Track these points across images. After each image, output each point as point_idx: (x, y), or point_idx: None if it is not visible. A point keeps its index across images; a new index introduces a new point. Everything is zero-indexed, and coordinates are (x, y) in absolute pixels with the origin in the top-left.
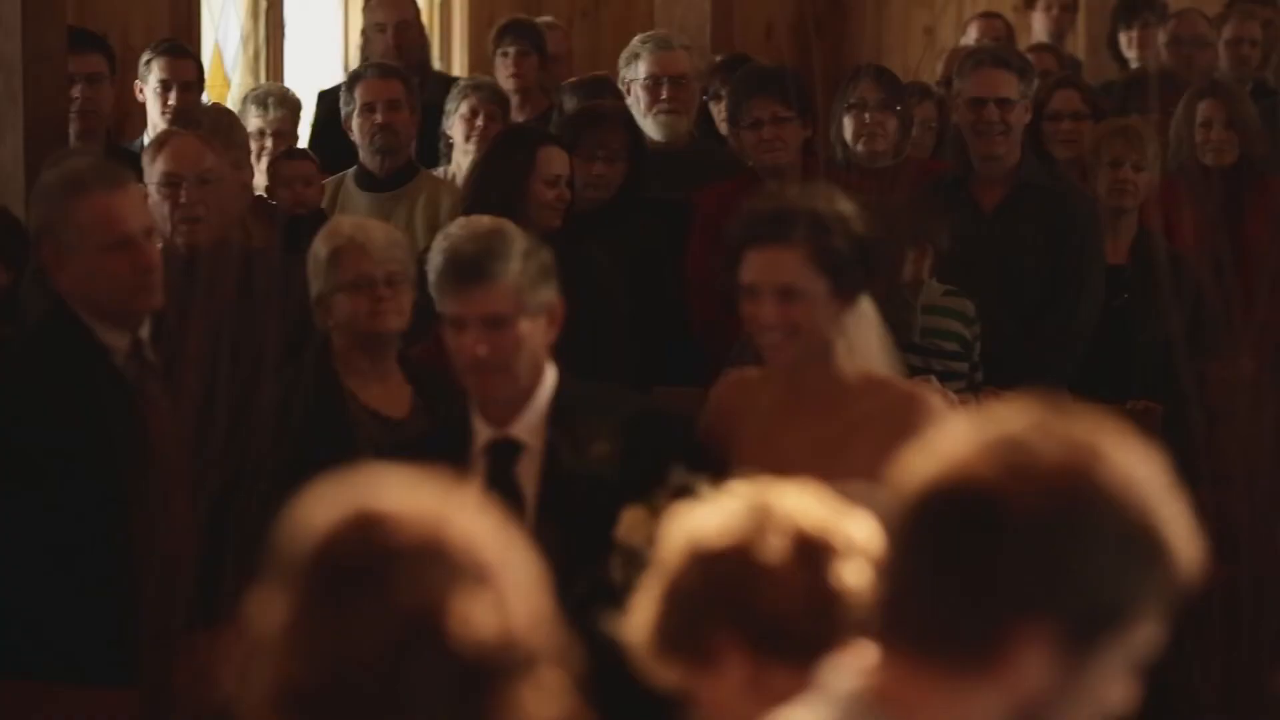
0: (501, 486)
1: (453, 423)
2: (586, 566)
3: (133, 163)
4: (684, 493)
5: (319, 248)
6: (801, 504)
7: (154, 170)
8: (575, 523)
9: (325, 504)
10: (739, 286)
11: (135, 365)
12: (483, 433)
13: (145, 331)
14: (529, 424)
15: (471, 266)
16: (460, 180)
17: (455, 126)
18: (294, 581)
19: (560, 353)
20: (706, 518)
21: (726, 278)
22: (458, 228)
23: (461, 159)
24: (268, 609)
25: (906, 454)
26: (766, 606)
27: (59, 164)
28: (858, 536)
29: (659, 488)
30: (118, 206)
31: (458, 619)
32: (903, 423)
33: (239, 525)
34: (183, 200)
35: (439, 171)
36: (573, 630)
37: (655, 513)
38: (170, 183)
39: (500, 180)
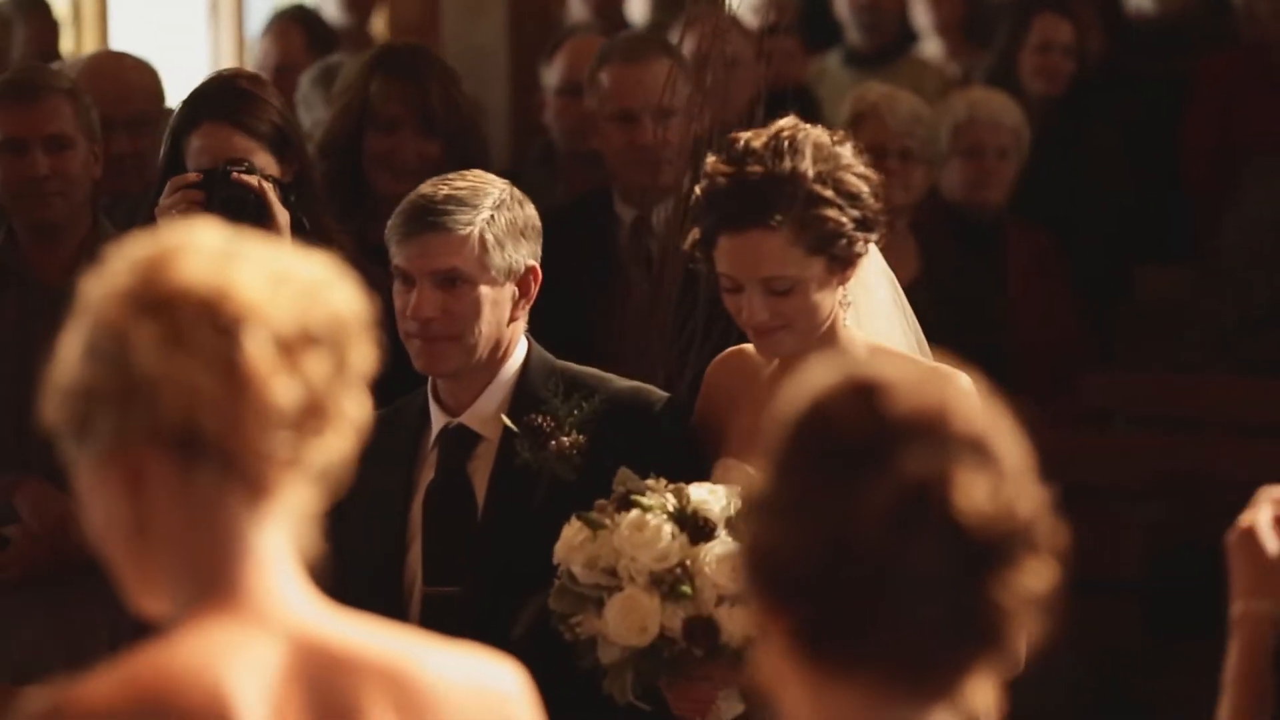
0: (452, 482)
1: (413, 409)
2: (526, 585)
3: None
4: (628, 503)
5: (844, 107)
6: None
7: None
8: (524, 530)
9: (820, 374)
10: (716, 274)
11: (634, 243)
12: (438, 419)
13: (660, 213)
14: (485, 411)
15: (426, 212)
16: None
17: (916, 4)
18: (786, 451)
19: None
20: None
21: (704, 262)
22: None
23: (927, 37)
24: (756, 478)
25: None
26: None
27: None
28: None
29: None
30: (628, 80)
31: (962, 492)
32: None
33: None
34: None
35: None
36: (522, 665)
37: (596, 528)
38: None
39: (995, 49)
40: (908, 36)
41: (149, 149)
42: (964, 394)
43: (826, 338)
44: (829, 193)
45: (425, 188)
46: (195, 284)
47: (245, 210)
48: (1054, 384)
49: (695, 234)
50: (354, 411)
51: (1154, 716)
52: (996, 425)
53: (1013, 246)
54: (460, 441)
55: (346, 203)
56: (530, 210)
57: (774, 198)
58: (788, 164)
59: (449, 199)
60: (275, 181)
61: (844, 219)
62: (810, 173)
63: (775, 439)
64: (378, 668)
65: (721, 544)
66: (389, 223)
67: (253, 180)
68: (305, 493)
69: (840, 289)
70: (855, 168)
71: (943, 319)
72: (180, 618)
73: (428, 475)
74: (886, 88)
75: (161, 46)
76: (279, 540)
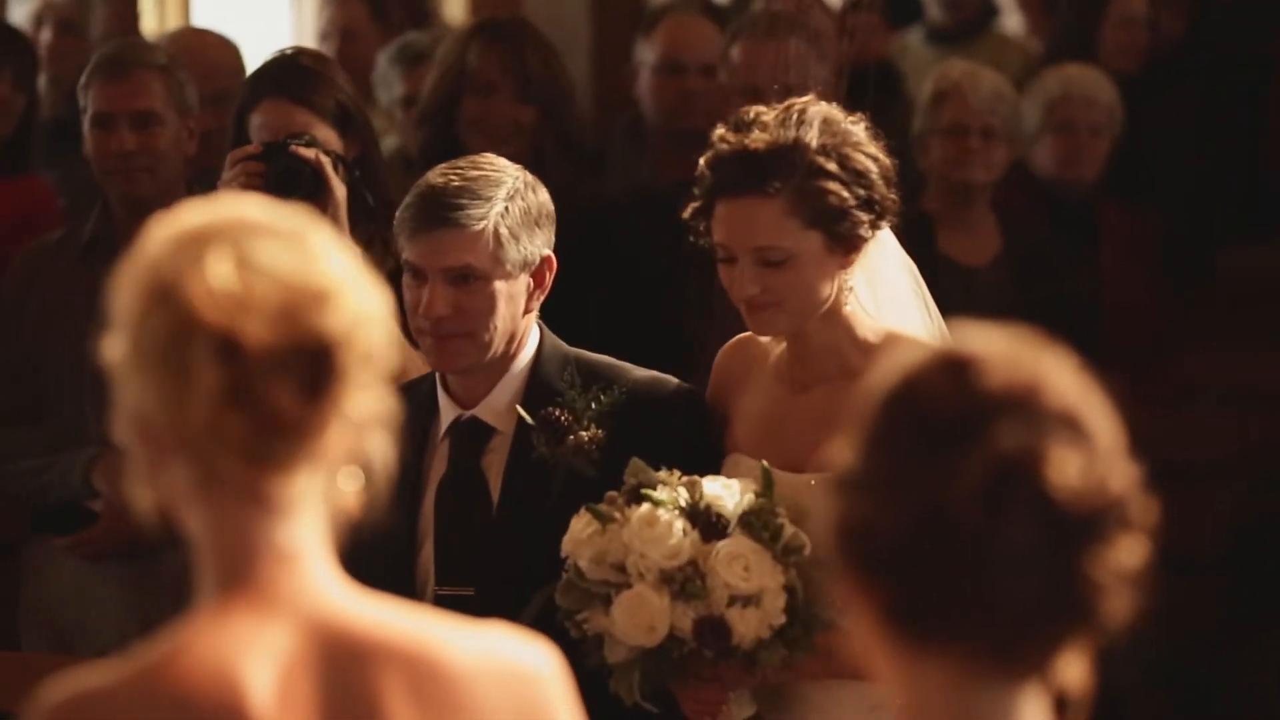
0: (465, 477)
1: (419, 396)
2: (543, 585)
3: None
4: (639, 496)
5: (927, 85)
6: None
7: None
8: (540, 527)
9: (911, 350)
10: (713, 246)
11: None
12: (448, 411)
13: None
14: (499, 404)
15: (439, 207)
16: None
17: None
18: (878, 426)
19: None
20: None
21: (704, 236)
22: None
23: (1009, 13)
24: (844, 451)
25: None
26: None
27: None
28: None
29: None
30: (757, 56)
31: (1055, 468)
32: None
33: None
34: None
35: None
36: None
37: (605, 521)
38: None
39: (1069, 25)
40: (989, 12)
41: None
42: (1057, 369)
43: (829, 321)
44: (832, 166)
45: (434, 177)
46: (180, 283)
47: (300, 183)
48: (1144, 361)
49: (695, 203)
50: (363, 408)
51: (1233, 696)
52: (1088, 401)
53: (1105, 223)
54: (473, 435)
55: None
56: (544, 196)
57: (774, 165)
58: (792, 134)
59: (460, 190)
60: (336, 156)
61: (846, 195)
62: (814, 144)
63: (866, 414)
64: (397, 652)
65: (735, 542)
66: (398, 213)
67: (310, 153)
68: (321, 485)
69: (842, 273)
70: (866, 147)
71: (1026, 297)
72: (199, 607)
73: (438, 469)
74: (969, 65)
75: (245, 24)
76: (301, 532)
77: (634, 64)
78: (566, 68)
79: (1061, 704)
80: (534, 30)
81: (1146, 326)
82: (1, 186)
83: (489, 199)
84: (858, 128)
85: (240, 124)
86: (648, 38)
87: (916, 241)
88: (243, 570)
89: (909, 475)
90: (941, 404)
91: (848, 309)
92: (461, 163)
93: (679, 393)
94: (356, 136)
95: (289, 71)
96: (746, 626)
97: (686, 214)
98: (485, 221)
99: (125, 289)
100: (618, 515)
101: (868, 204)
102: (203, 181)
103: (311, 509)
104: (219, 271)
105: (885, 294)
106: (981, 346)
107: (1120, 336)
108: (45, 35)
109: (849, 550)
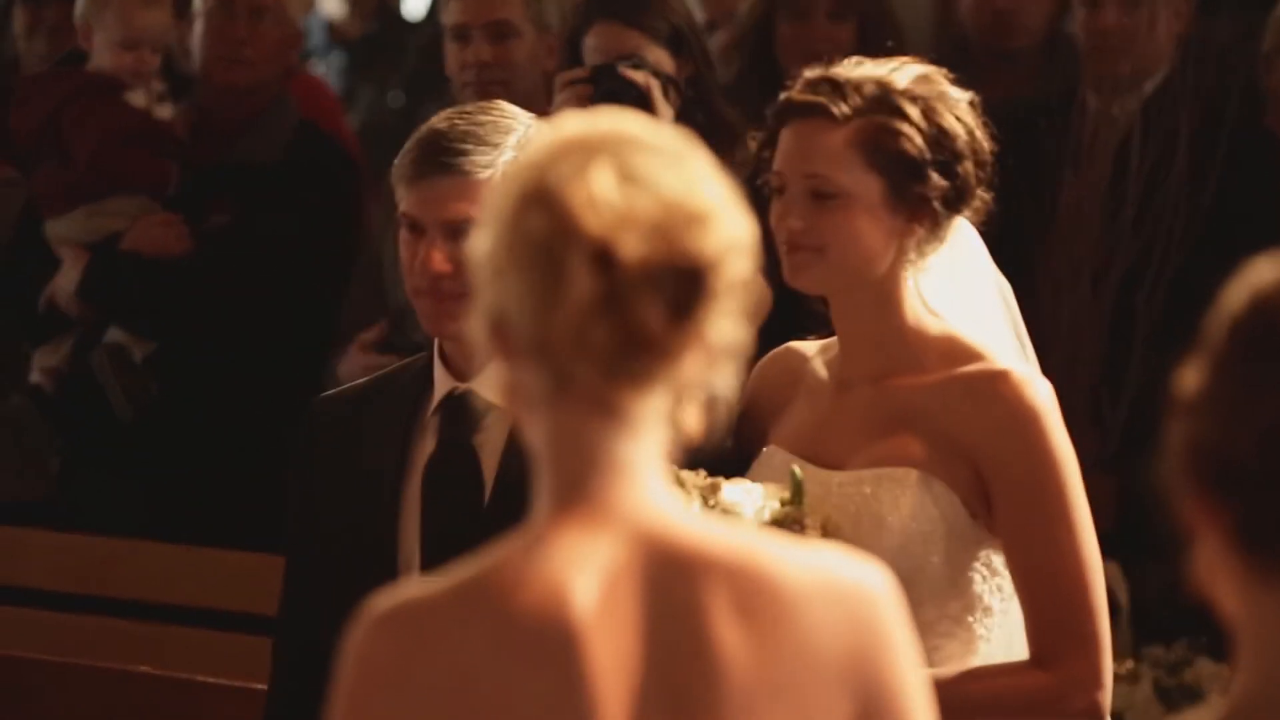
0: (454, 454)
1: (412, 373)
2: None
3: None
4: None
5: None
6: None
7: None
8: None
9: (1259, 271)
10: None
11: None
12: (443, 384)
13: (1122, 105)
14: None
15: (440, 152)
16: None
17: None
18: (1228, 347)
19: None
20: None
21: (768, 171)
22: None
23: None
24: (1191, 372)
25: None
26: None
27: None
28: None
29: None
30: None
31: None
32: (971, 408)
33: (1147, 306)
34: None
35: None
36: None
37: None
38: None
39: None
40: None
41: None
42: None
43: (881, 308)
44: (914, 112)
45: (438, 121)
46: (561, 188)
47: (625, 105)
48: None
49: (763, 132)
50: (723, 335)
51: None
52: None
53: None
54: (466, 409)
55: (762, 94)
56: None
57: (849, 92)
58: (881, 72)
59: (465, 135)
60: (666, 78)
61: (922, 146)
62: (901, 86)
63: (1215, 336)
64: (724, 566)
65: None
66: (396, 160)
67: (638, 75)
68: (668, 406)
69: (901, 244)
70: (962, 114)
71: None
72: (534, 517)
73: (426, 448)
74: None
75: None
76: (642, 447)
77: None
78: None
79: None
80: None
81: None
82: None
83: (496, 146)
84: (961, 96)
85: (574, 47)
86: None
87: (1265, 163)
88: (580, 482)
89: (1262, 395)
90: None
91: (908, 301)
92: (470, 107)
93: None
94: (690, 58)
95: None
96: None
97: (754, 146)
98: (491, 170)
99: (503, 188)
100: None
101: (945, 169)
102: None
103: (656, 428)
104: (602, 182)
105: (961, 306)
106: None
107: None
108: None
109: (1197, 471)
